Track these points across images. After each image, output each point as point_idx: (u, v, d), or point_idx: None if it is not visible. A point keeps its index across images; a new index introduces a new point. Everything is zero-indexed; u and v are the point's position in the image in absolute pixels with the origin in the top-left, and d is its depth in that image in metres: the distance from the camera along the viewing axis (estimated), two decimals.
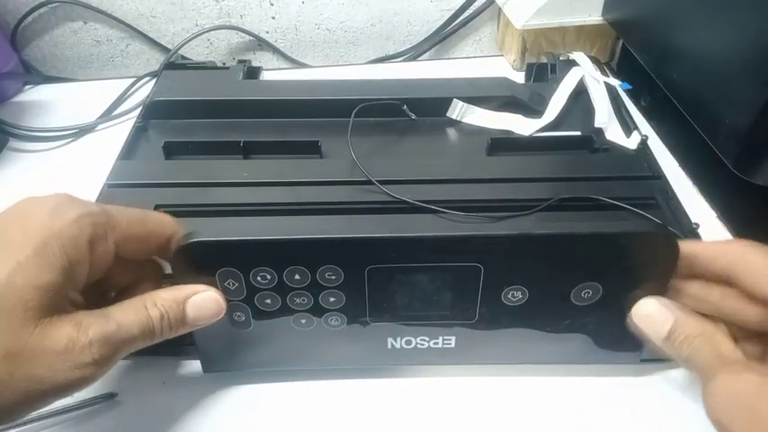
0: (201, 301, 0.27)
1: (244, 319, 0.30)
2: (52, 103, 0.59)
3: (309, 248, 0.28)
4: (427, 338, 0.31)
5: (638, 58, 0.50)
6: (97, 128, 0.55)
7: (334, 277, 0.28)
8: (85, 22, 0.64)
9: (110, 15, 0.62)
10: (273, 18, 0.64)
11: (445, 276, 0.29)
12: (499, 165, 0.38)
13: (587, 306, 0.29)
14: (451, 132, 0.43)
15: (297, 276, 0.28)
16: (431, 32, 0.66)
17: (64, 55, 0.66)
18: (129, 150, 0.42)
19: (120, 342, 0.24)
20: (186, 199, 0.35)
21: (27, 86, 0.63)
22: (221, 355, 0.32)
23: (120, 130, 0.55)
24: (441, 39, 0.66)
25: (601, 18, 0.57)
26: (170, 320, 0.26)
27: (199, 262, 0.28)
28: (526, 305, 0.29)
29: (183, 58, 0.62)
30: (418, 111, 0.41)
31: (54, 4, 0.62)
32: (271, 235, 0.27)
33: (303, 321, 0.30)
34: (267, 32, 0.65)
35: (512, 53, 0.61)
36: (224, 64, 0.63)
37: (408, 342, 0.31)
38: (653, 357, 0.32)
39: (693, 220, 0.35)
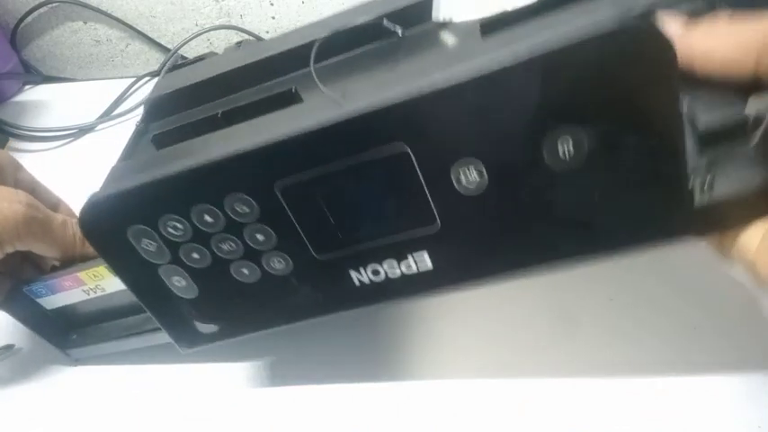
0: None
1: (185, 283, 0.27)
2: (52, 102, 0.59)
3: (195, 179, 0.24)
4: (395, 262, 0.25)
5: None
6: (97, 128, 0.55)
7: (246, 209, 0.24)
8: (85, 22, 0.64)
9: (109, 15, 0.62)
10: (273, 18, 0.64)
11: (372, 175, 0.23)
12: (497, 42, 0.27)
13: (570, 166, 0.21)
14: (445, 36, 0.32)
15: (207, 218, 0.24)
16: None
17: (64, 55, 0.66)
18: (128, 153, 0.41)
19: None
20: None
21: (27, 86, 0.63)
22: (190, 331, 0.29)
23: (120, 130, 0.56)
24: None
25: None
26: None
27: (103, 225, 0.25)
28: (489, 189, 0.22)
29: (183, 57, 0.62)
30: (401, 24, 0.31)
31: (54, 4, 0.62)
32: (153, 176, 0.24)
33: (246, 272, 0.26)
34: (267, 32, 0.65)
35: None
36: None
37: (376, 272, 0.26)
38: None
39: None
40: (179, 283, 0.27)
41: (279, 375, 0.34)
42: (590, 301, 0.36)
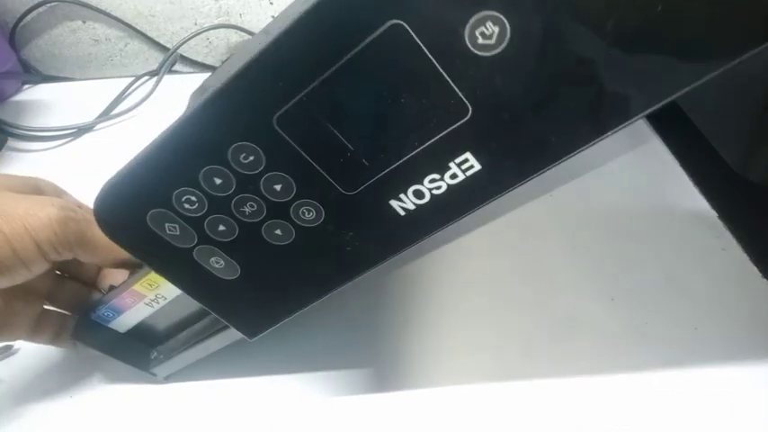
0: None
1: (223, 262, 0.25)
2: (51, 102, 0.59)
3: (189, 139, 0.22)
4: (438, 174, 0.21)
5: None
6: (96, 127, 0.55)
7: (252, 157, 0.22)
8: (84, 22, 0.63)
9: (108, 14, 0.62)
10: (273, 17, 0.64)
11: (374, 73, 0.19)
12: None
13: None
14: None
15: (217, 180, 0.22)
16: None
17: (63, 54, 0.66)
18: None
19: None
20: None
21: (26, 86, 0.63)
22: (252, 317, 0.28)
23: (119, 130, 0.55)
24: None
25: None
26: None
27: (119, 220, 0.24)
28: (512, 43, 0.18)
29: (182, 57, 0.62)
30: None
31: (53, 4, 0.61)
32: (148, 149, 0.22)
33: (278, 232, 0.24)
34: None
35: None
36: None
37: (419, 194, 0.22)
38: None
39: (693, 220, 0.35)
40: (218, 264, 0.25)
41: (284, 391, 0.34)
42: (592, 301, 0.36)
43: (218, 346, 0.31)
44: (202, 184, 0.23)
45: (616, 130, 0.19)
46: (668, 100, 0.19)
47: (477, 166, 0.21)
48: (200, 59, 0.66)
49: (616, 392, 0.32)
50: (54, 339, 0.31)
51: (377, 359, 0.34)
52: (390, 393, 0.33)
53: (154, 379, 0.33)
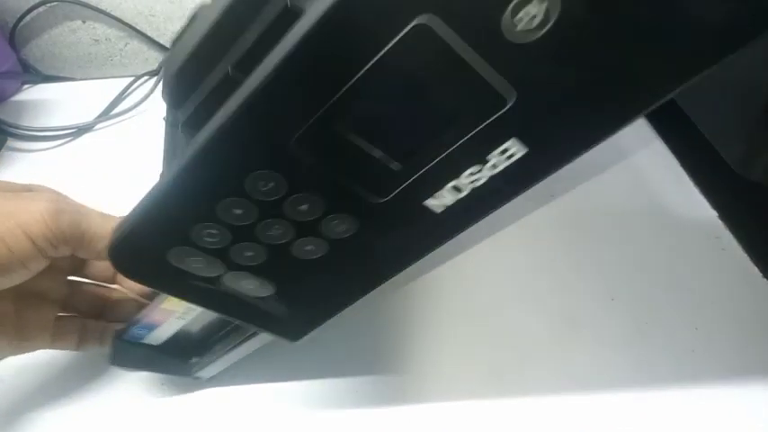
0: None
1: (256, 283, 0.24)
2: (51, 102, 0.59)
3: (197, 177, 0.20)
4: (478, 167, 0.20)
5: None
6: (96, 127, 0.55)
7: (272, 184, 0.20)
8: (84, 21, 0.63)
9: (108, 14, 0.62)
10: None
11: (401, 70, 0.17)
12: None
13: None
14: None
15: (237, 211, 0.21)
16: None
17: (62, 54, 0.66)
18: (168, 154, 0.37)
19: None
20: None
21: (26, 86, 0.63)
22: (292, 324, 0.27)
23: (119, 130, 0.55)
24: None
25: None
26: None
27: (140, 262, 0.23)
28: (558, 25, 0.16)
29: None
30: None
31: (53, 3, 0.61)
32: (158, 191, 0.21)
33: (310, 248, 0.23)
34: None
35: None
36: None
37: (457, 189, 0.21)
38: None
39: (693, 220, 0.35)
40: (251, 285, 0.24)
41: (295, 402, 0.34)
42: (592, 301, 0.36)
43: (260, 344, 0.30)
44: (221, 217, 0.21)
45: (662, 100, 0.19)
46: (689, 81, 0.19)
47: (520, 153, 0.19)
48: None
49: (616, 393, 0.32)
50: (78, 345, 0.31)
51: (379, 361, 0.34)
52: (391, 395, 0.33)
53: (158, 379, 0.33)
